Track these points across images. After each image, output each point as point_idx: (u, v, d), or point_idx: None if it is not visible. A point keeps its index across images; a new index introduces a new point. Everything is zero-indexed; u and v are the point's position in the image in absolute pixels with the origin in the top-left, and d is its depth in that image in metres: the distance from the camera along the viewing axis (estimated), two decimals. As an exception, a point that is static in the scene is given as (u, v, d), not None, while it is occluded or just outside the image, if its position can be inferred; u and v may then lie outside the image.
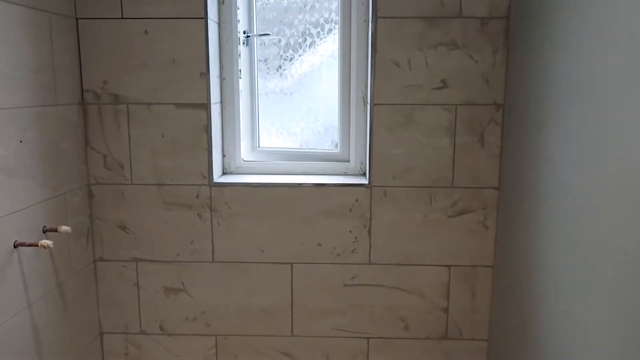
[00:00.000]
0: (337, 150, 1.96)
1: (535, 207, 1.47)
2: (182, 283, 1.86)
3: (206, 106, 1.75)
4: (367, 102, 1.83)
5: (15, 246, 1.39)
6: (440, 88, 1.73)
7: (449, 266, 1.82)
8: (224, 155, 1.93)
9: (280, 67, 1.99)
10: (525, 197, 1.55)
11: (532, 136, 1.50)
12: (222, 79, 1.88)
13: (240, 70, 1.93)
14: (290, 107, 2.02)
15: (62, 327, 1.64)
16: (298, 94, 2.01)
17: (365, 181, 1.82)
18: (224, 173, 1.93)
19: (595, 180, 1.14)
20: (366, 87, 1.82)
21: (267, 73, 1.99)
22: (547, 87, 1.40)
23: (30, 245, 1.41)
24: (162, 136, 1.77)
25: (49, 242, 1.40)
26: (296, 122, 2.02)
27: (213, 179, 1.80)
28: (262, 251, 1.83)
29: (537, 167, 1.47)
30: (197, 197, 1.80)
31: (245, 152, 2.00)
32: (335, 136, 1.97)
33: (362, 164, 1.91)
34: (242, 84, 1.95)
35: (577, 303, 1.21)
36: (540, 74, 1.45)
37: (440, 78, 1.72)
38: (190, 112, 1.75)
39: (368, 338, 1.88)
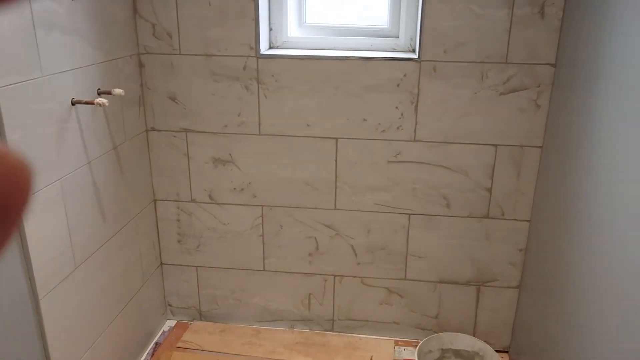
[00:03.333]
0: (386, 26, 1.90)
1: (593, 85, 1.40)
2: (230, 154, 1.92)
3: (253, -28, 1.70)
4: (420, -29, 1.73)
5: (73, 103, 1.45)
6: (501, -47, 1.61)
7: (495, 145, 1.80)
8: (270, 29, 1.90)
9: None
10: (583, 74, 1.48)
11: (600, 5, 1.40)
12: (269, -55, 1.80)
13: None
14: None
15: (119, 188, 1.74)
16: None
17: (414, 56, 1.76)
18: (270, 47, 1.91)
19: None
20: (421, -47, 1.72)
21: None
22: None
23: (86, 103, 1.46)
24: (209, 4, 1.75)
25: (104, 101, 1.44)
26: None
27: (260, 50, 1.79)
28: (307, 125, 1.85)
29: (600, 40, 1.38)
30: (244, 68, 1.81)
31: (292, 29, 1.96)
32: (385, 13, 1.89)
33: (411, 40, 1.85)
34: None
35: (629, 182, 1.18)
36: None
37: (502, -58, 1.60)
38: (237, -21, 1.71)
39: (409, 214, 1.92)
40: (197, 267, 2.09)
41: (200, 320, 2.19)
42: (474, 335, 2.00)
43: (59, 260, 1.42)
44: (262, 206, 1.97)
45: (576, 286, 1.43)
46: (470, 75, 1.73)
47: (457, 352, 1.90)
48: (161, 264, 2.10)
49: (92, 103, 1.45)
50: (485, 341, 1.91)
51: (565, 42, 1.63)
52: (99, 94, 1.58)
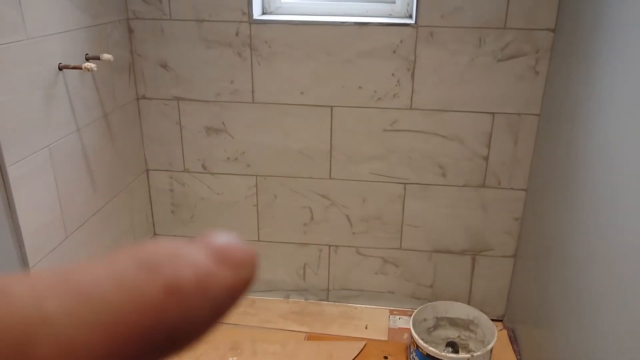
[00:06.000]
0: (382, -10, 1.85)
1: (593, 51, 1.37)
2: (223, 123, 1.88)
3: None
4: None
5: (60, 68, 1.41)
6: None
7: (492, 113, 1.77)
8: (263, -7, 1.85)
9: None
10: (583, 40, 1.44)
11: (601, -37, 1.36)
12: None
13: None
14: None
15: (110, 157, 1.71)
16: None
17: (411, 21, 1.72)
18: (263, 13, 1.86)
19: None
20: None
21: None
22: None
23: (74, 67, 1.42)
24: (200, -33, 1.69)
25: (92, 65, 1.40)
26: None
27: (253, 15, 1.74)
28: (302, 93, 1.81)
29: (600, 5, 1.34)
30: (237, 34, 1.76)
31: (285, -7, 1.90)
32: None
33: (408, 5, 1.80)
34: None
35: (627, 150, 1.16)
36: None
37: None
38: (229, -60, 1.65)
39: (405, 183, 1.90)
40: (191, 238, 2.07)
41: (195, 290, 2.18)
42: (468, 304, 2.00)
43: (50, 228, 1.40)
44: (256, 176, 1.95)
45: (571, 254, 1.42)
46: (467, 41, 1.69)
47: (451, 320, 1.90)
48: (154, 234, 2.09)
49: (79, 68, 1.41)
50: (480, 310, 1.91)
51: (565, 7, 1.59)
52: (87, 59, 1.53)
